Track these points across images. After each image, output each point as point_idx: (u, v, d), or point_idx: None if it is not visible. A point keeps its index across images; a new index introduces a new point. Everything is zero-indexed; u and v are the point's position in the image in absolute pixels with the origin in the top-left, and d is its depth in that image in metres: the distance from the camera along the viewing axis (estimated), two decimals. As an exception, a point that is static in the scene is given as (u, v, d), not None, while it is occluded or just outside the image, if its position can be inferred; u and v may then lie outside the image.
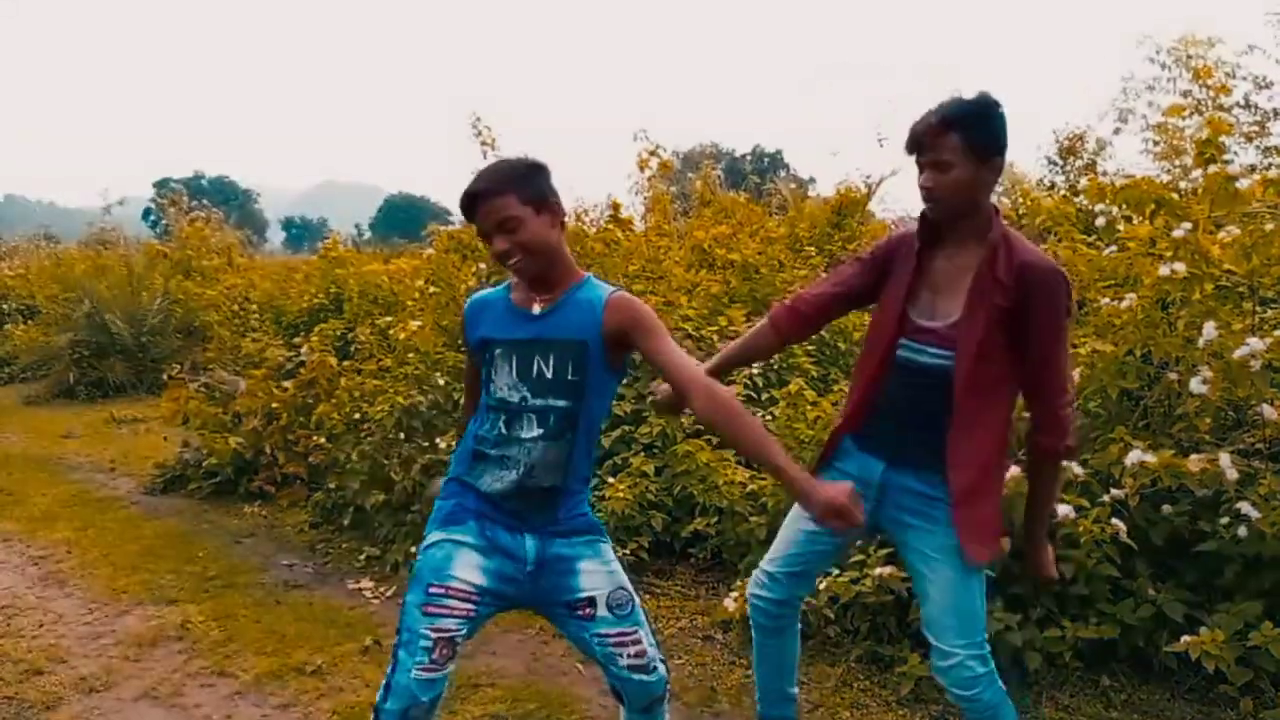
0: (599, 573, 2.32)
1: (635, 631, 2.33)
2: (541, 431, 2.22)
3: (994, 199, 2.37)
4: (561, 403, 2.21)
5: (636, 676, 2.33)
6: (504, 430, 2.24)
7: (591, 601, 2.30)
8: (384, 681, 2.18)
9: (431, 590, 2.19)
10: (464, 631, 2.20)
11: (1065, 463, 2.57)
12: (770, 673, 2.83)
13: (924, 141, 2.23)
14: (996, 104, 2.23)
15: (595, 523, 2.38)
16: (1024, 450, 2.51)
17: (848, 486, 1.99)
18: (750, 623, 2.79)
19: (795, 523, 2.65)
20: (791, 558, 2.65)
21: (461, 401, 5.11)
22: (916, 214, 2.42)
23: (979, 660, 2.40)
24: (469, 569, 2.23)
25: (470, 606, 2.21)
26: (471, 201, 2.18)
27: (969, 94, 2.23)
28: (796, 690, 2.91)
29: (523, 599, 2.33)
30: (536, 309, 2.24)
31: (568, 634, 2.40)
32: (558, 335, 2.21)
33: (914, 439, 2.41)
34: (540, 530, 2.28)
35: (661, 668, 2.38)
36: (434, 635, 2.15)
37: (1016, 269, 2.23)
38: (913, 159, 2.29)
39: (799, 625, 2.83)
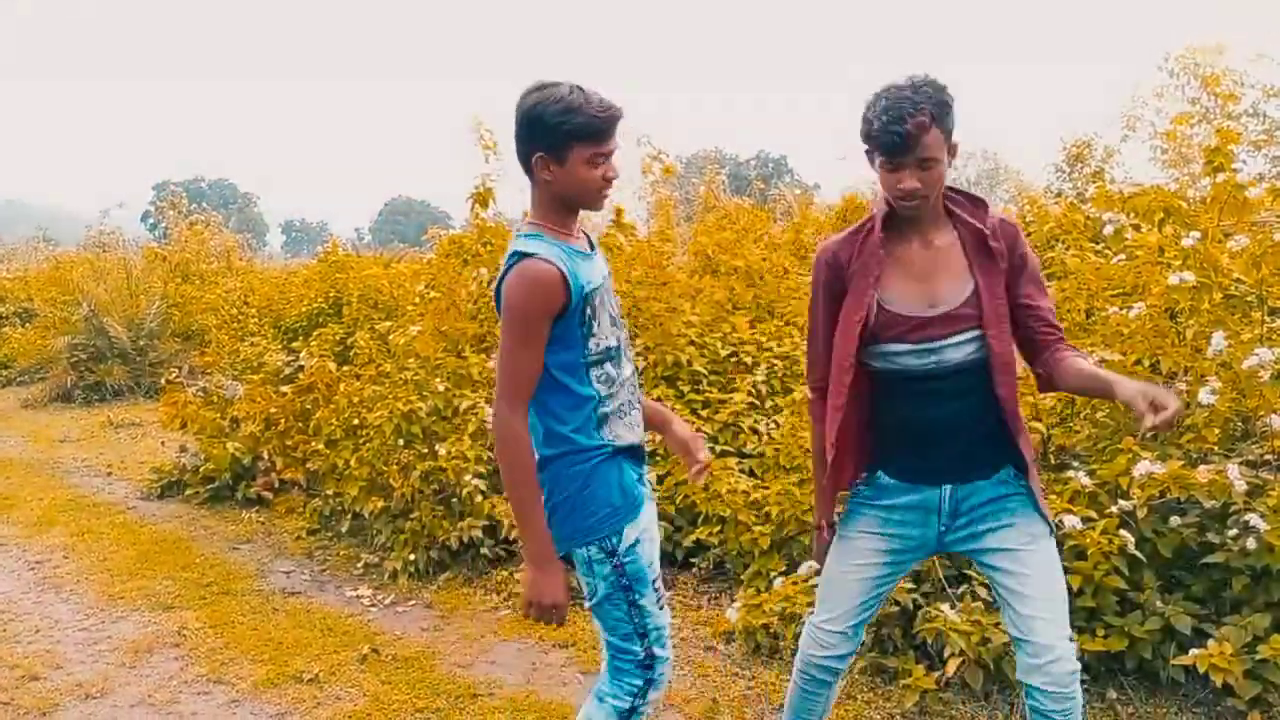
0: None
1: None
2: (632, 368, 2.27)
3: (998, 204, 2.40)
4: (626, 334, 2.27)
5: None
6: (612, 373, 2.19)
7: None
8: (639, 683, 2.22)
9: (657, 586, 2.22)
10: None
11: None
12: (809, 716, 2.63)
13: (918, 140, 2.07)
14: (946, 87, 2.14)
15: None
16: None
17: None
18: (800, 679, 2.53)
19: (853, 571, 2.42)
20: (860, 608, 2.44)
21: (464, 407, 5.11)
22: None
23: (1074, 650, 2.26)
24: (657, 546, 2.27)
25: None
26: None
27: (919, 81, 2.11)
28: None
29: None
30: (587, 246, 2.22)
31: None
32: (606, 270, 2.25)
33: (981, 447, 2.28)
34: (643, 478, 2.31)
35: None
36: (667, 622, 2.25)
37: (998, 228, 2.23)
38: (880, 158, 2.15)
39: None
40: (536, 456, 2.14)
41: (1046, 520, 2.32)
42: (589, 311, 2.12)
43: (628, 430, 2.21)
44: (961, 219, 2.26)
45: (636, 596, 2.18)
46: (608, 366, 2.17)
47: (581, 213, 2.25)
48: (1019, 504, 2.31)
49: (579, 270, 2.10)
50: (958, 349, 2.22)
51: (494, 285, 2.17)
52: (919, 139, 2.07)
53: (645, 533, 2.21)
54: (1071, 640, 2.27)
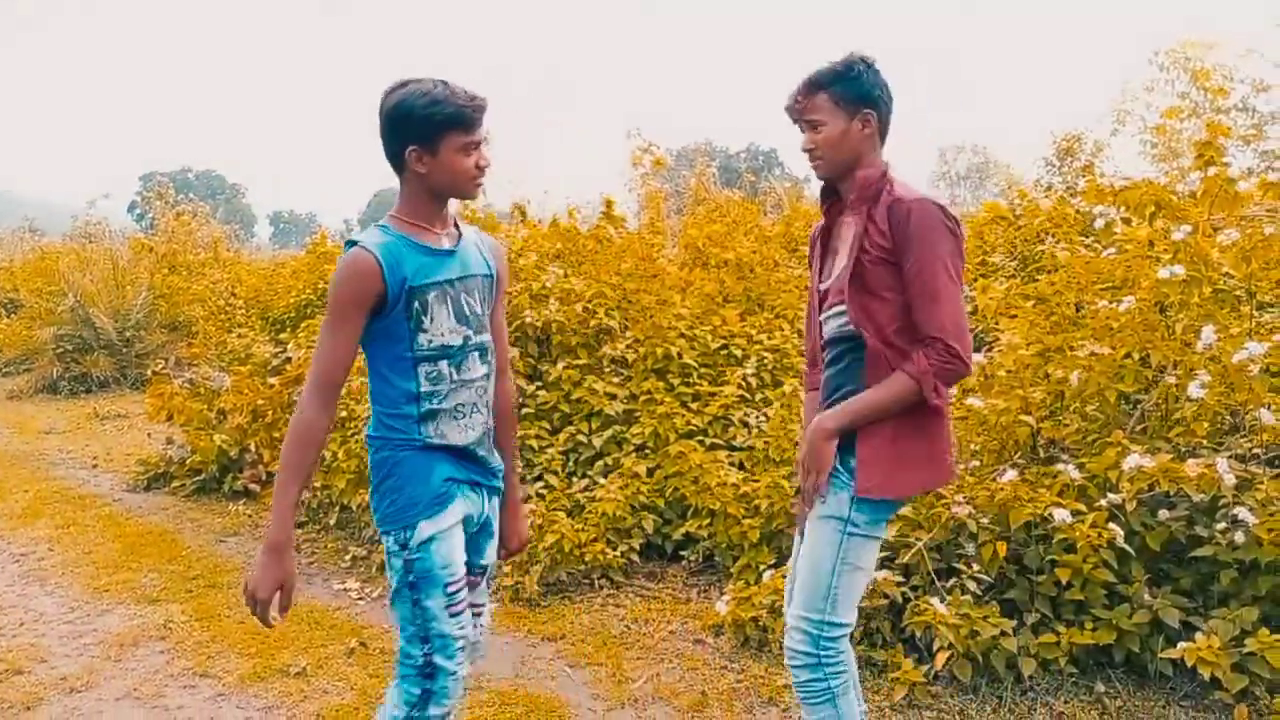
0: (495, 539, 2.35)
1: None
2: (486, 370, 2.23)
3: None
4: (486, 337, 2.23)
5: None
6: (446, 372, 2.16)
7: (485, 571, 2.33)
8: (416, 692, 2.13)
9: (450, 588, 2.14)
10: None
11: (914, 389, 2.22)
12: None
13: (797, 107, 2.36)
14: (860, 60, 2.31)
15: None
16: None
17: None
18: (845, 687, 2.42)
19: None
20: None
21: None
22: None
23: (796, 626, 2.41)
24: (462, 551, 2.19)
25: (468, 591, 2.21)
26: None
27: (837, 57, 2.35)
28: None
29: None
30: (448, 243, 2.19)
31: None
32: (486, 270, 2.24)
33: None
34: (490, 486, 2.27)
35: None
36: (460, 634, 2.15)
37: (888, 207, 2.25)
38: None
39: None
40: (365, 436, 2.23)
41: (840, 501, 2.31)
42: (416, 306, 2.09)
43: (458, 432, 2.17)
44: (875, 196, 2.31)
45: (421, 596, 2.12)
46: (441, 364, 2.14)
47: (454, 206, 2.24)
48: (834, 483, 2.32)
49: (406, 263, 2.07)
50: (830, 322, 2.37)
51: None
52: (799, 105, 2.35)
53: (447, 534, 2.14)
54: (805, 619, 2.34)
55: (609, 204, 6.39)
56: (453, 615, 2.14)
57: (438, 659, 2.13)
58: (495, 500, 2.32)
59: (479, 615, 2.33)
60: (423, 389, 2.13)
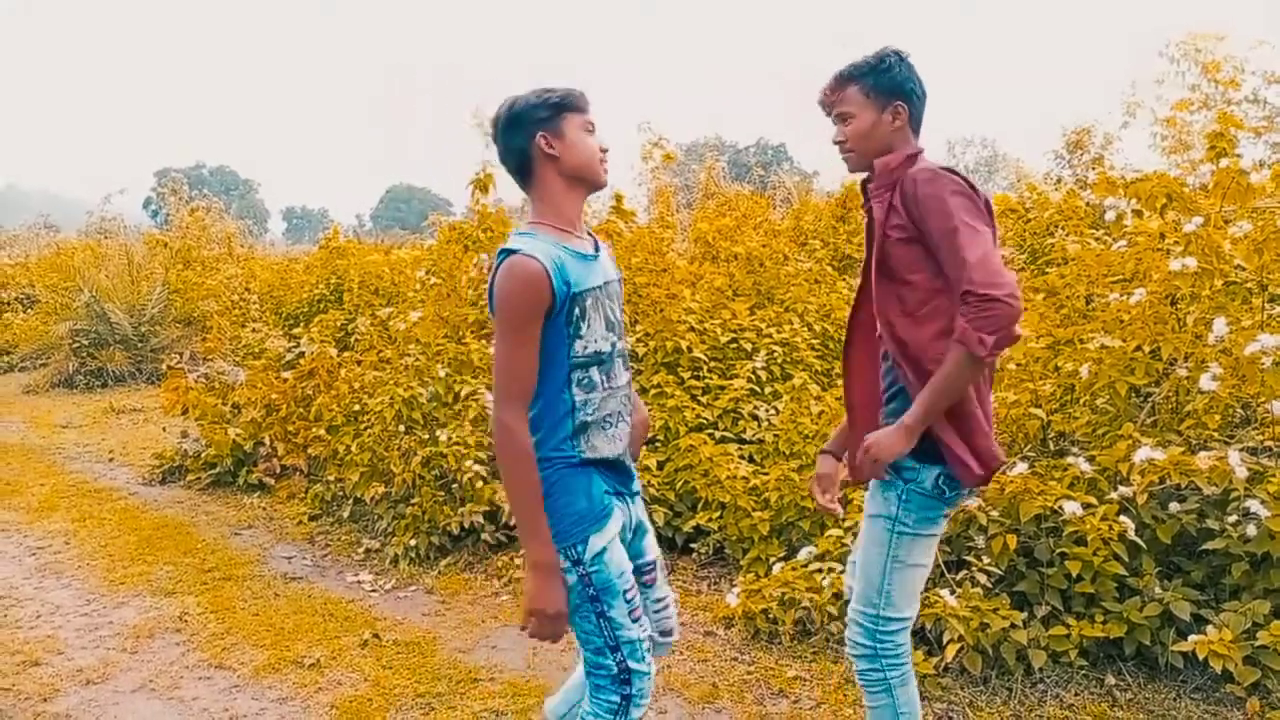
0: (652, 534, 2.37)
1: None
2: (627, 377, 2.24)
3: (914, 144, 2.36)
4: (627, 343, 2.25)
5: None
6: (597, 379, 2.13)
7: (654, 565, 2.34)
8: (616, 699, 2.15)
9: (628, 594, 2.15)
10: None
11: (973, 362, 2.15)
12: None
13: (829, 100, 2.41)
14: (893, 54, 2.35)
15: None
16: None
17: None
18: (911, 682, 2.49)
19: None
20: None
21: (465, 392, 5.11)
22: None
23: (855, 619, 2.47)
24: (627, 559, 2.20)
25: (647, 588, 2.28)
26: None
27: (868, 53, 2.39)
28: None
29: None
30: (590, 248, 2.19)
31: None
32: (615, 275, 2.24)
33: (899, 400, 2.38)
34: (633, 492, 2.28)
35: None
36: (644, 635, 2.17)
37: (899, 187, 2.26)
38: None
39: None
40: None
41: (889, 501, 2.36)
42: (577, 312, 2.06)
43: (607, 443, 2.15)
44: (897, 181, 2.31)
45: (605, 608, 2.12)
46: (593, 371, 2.11)
47: (587, 207, 2.25)
48: (882, 483, 2.39)
49: (568, 269, 2.04)
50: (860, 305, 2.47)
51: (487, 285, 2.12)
52: (830, 99, 2.40)
53: (613, 543, 2.14)
54: (861, 613, 2.42)
55: (618, 198, 6.40)
56: (634, 620, 2.16)
57: (631, 663, 2.15)
58: (639, 502, 2.32)
59: (668, 607, 2.38)
60: (576, 399, 2.10)
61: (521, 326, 2.01)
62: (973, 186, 2.23)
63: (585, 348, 2.08)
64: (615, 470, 2.20)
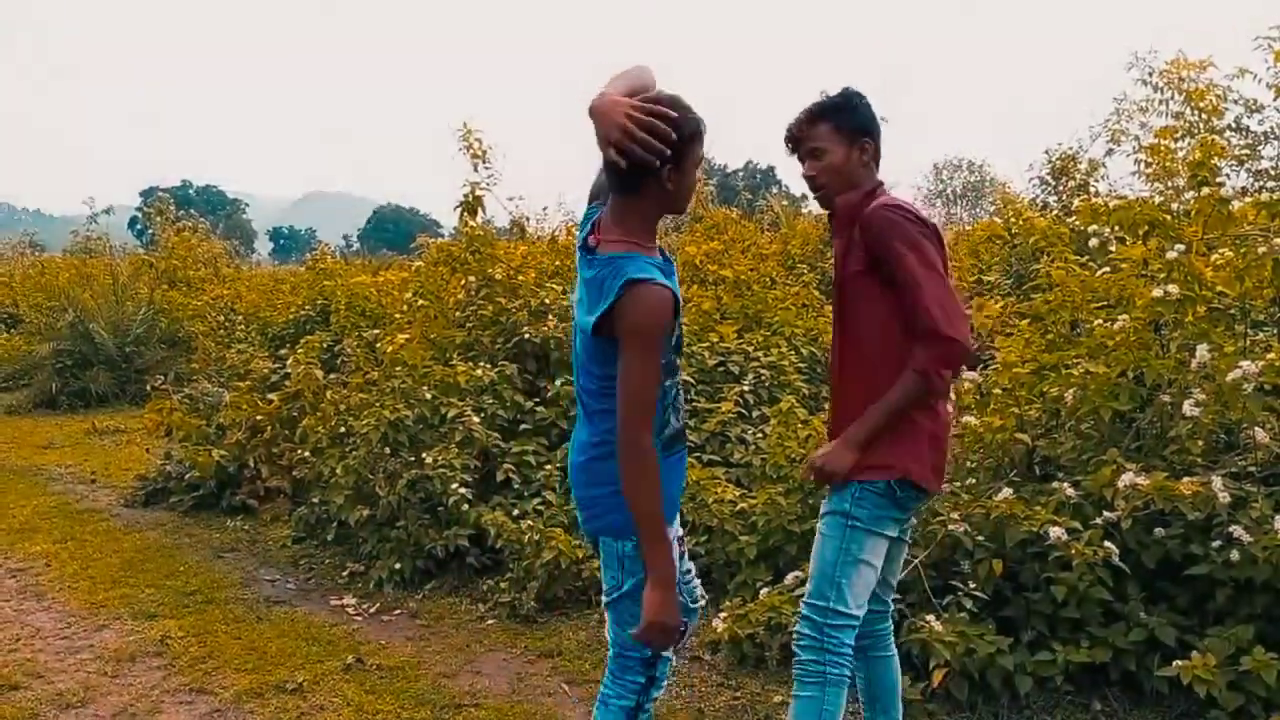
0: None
1: None
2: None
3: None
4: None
5: None
6: (676, 397, 2.24)
7: (681, 539, 2.40)
8: (642, 680, 2.29)
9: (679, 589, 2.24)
10: None
11: (929, 386, 2.40)
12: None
13: (798, 136, 2.51)
14: (857, 94, 2.50)
15: None
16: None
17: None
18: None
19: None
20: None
21: (451, 415, 5.09)
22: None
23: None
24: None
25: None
26: None
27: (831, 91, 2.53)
28: None
29: None
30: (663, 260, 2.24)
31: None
32: None
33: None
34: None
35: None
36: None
37: (859, 223, 2.41)
38: (799, 160, 2.55)
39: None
40: (589, 459, 2.21)
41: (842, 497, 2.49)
42: (678, 331, 2.18)
43: (677, 461, 2.28)
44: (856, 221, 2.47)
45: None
46: (668, 385, 2.19)
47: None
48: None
49: (677, 291, 2.13)
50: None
51: (597, 308, 2.06)
52: (801, 135, 2.50)
53: (678, 537, 2.27)
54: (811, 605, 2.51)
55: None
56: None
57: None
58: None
59: (695, 578, 2.45)
60: (668, 414, 2.19)
61: (656, 348, 2.07)
62: (923, 219, 2.42)
63: (668, 363, 2.17)
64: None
